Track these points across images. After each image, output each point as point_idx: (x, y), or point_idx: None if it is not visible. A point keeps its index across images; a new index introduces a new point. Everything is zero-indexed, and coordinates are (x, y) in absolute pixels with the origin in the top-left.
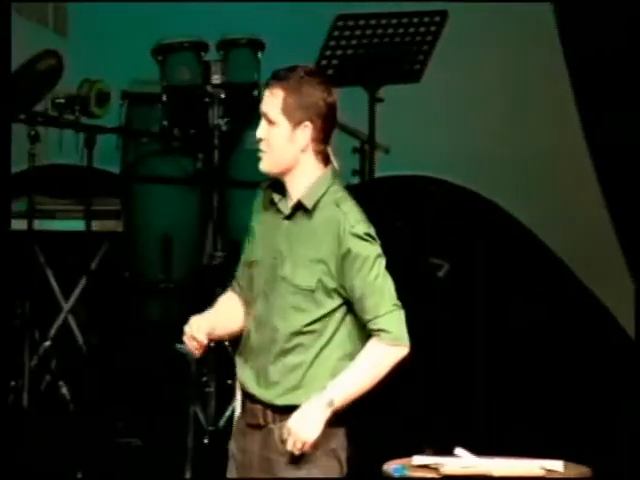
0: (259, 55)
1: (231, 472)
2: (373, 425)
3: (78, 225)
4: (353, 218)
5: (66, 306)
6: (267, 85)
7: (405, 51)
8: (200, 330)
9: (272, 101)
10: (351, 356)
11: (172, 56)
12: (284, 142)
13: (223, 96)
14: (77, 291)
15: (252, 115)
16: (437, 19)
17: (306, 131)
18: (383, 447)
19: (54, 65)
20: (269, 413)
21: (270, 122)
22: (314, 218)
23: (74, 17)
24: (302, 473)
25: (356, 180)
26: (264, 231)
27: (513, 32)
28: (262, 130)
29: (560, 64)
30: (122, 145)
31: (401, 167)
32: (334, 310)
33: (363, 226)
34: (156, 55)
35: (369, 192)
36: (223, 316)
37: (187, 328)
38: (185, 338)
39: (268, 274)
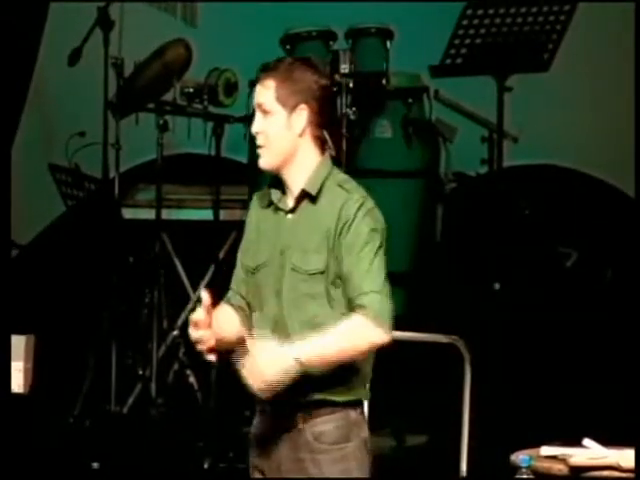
0: (388, 44)
1: None
2: (499, 415)
3: (206, 214)
4: (357, 195)
5: (194, 295)
6: (257, 79)
7: (534, 40)
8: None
9: (265, 92)
10: None
11: (300, 45)
12: (282, 130)
13: (351, 85)
14: (205, 280)
15: (380, 104)
16: (567, 8)
17: (302, 114)
18: (511, 437)
19: (183, 54)
20: (299, 414)
21: (265, 112)
22: (319, 203)
23: (203, 7)
24: (339, 468)
25: (484, 169)
26: (265, 233)
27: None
28: (258, 124)
29: None
30: (250, 134)
31: (530, 156)
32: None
33: (363, 206)
34: (284, 44)
35: (497, 181)
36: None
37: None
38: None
39: (277, 271)
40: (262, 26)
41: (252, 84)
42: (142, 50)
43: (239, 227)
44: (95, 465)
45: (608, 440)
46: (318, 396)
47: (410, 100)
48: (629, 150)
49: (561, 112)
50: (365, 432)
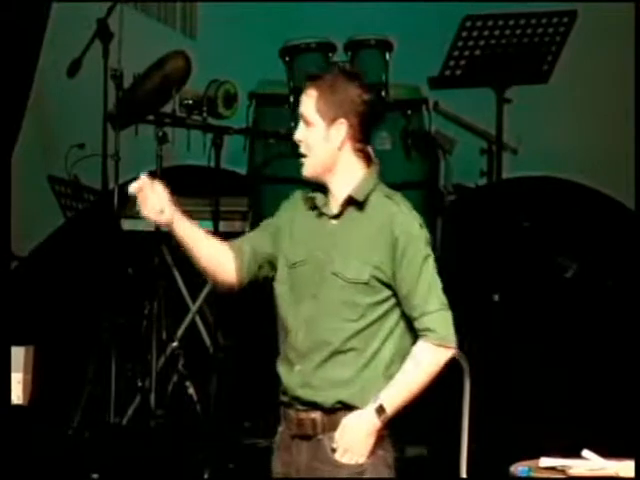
0: (387, 56)
1: None
2: (499, 426)
3: (205, 226)
4: (406, 209)
5: (193, 307)
6: (304, 88)
7: (533, 52)
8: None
9: (307, 102)
10: (405, 356)
11: (299, 57)
12: (320, 141)
13: None
14: (204, 292)
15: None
16: (566, 19)
17: (341, 128)
18: (510, 449)
19: (182, 66)
20: (318, 422)
21: (307, 123)
22: (365, 211)
23: (203, 18)
24: None
25: (483, 181)
26: (307, 234)
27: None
28: (300, 132)
29: None
30: (250, 146)
31: (529, 168)
32: (388, 309)
33: (415, 220)
34: (284, 56)
35: (496, 193)
36: (199, 232)
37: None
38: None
39: (316, 274)
40: (261, 38)
41: (251, 96)
42: (141, 62)
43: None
44: (95, 476)
45: (607, 451)
46: (338, 397)
47: (409, 112)
48: (629, 162)
49: (560, 124)
50: (385, 448)
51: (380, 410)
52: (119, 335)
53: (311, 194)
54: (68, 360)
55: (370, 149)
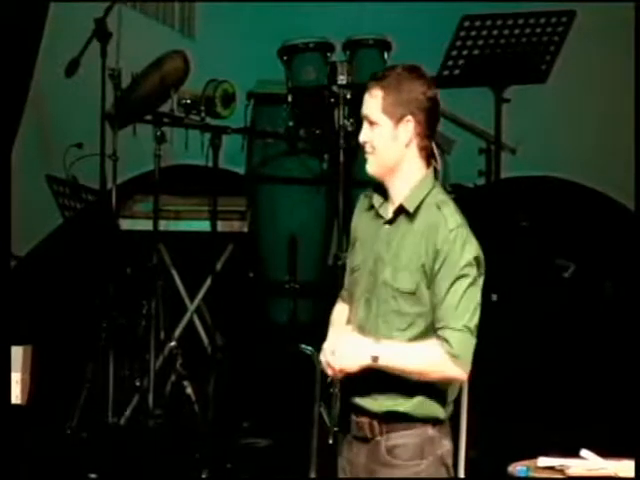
0: (386, 55)
1: None
2: (496, 426)
3: (204, 225)
4: (453, 224)
5: (191, 306)
6: (366, 88)
7: (532, 51)
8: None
9: (372, 102)
10: None
11: (298, 57)
12: (388, 141)
13: (349, 96)
14: (202, 291)
15: None
16: (564, 19)
17: (408, 126)
18: (508, 448)
19: (180, 66)
20: (375, 425)
21: (372, 123)
22: (415, 221)
23: (201, 18)
24: None
25: (482, 181)
26: (365, 236)
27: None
28: (365, 133)
29: None
30: (248, 146)
31: (527, 168)
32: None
33: (458, 237)
34: (282, 56)
35: (495, 193)
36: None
37: (322, 357)
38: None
39: (369, 279)
40: (260, 37)
41: (250, 95)
42: (139, 61)
43: (236, 238)
44: (93, 476)
45: (607, 451)
46: (392, 407)
47: None
48: (628, 162)
49: (559, 123)
50: (442, 448)
51: (374, 358)
52: (117, 335)
53: (369, 193)
54: (66, 360)
55: (434, 145)
